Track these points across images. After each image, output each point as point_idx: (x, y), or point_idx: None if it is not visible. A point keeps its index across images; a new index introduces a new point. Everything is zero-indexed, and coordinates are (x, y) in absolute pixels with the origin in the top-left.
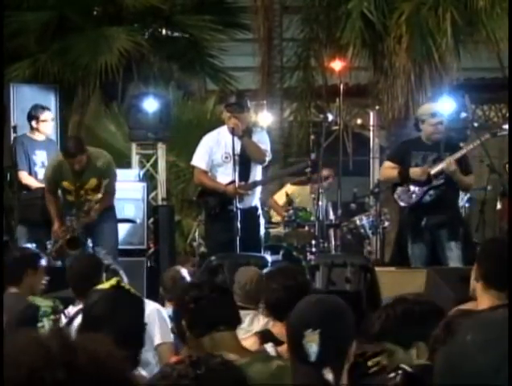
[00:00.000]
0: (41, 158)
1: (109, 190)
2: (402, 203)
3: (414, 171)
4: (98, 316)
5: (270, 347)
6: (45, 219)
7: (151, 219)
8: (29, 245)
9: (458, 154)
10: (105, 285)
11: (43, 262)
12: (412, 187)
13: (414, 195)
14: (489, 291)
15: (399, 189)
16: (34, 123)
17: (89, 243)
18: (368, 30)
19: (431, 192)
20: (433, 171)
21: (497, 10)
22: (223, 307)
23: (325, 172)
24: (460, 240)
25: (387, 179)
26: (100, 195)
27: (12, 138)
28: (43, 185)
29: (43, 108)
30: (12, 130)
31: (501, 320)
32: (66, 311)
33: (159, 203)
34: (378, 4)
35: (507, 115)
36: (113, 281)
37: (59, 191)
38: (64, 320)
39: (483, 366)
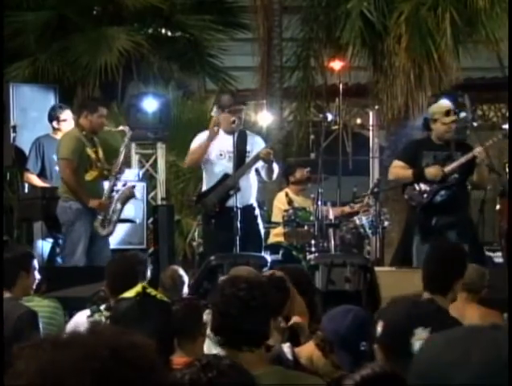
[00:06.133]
0: None
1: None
2: (413, 203)
3: (430, 172)
4: (128, 326)
5: (287, 348)
6: (50, 218)
7: (151, 219)
8: (44, 242)
9: (489, 142)
10: (131, 293)
11: (35, 262)
12: (423, 187)
13: (425, 195)
14: (424, 294)
15: (409, 189)
16: (55, 124)
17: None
18: (367, 30)
19: (443, 192)
20: (445, 170)
21: (497, 10)
22: (251, 324)
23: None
24: (469, 242)
25: (398, 179)
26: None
27: (12, 137)
28: (45, 185)
29: (62, 107)
30: (12, 130)
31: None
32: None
33: (159, 202)
34: (378, 4)
35: (507, 115)
36: (138, 288)
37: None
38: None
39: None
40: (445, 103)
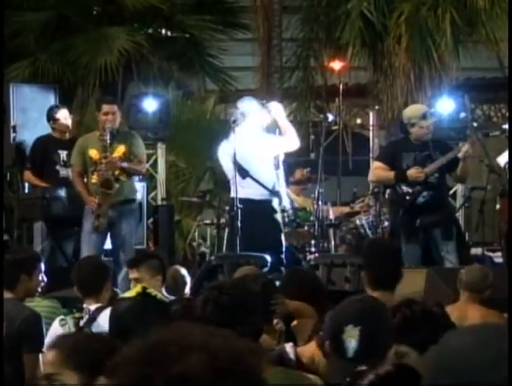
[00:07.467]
0: (63, 156)
1: (139, 157)
2: (395, 205)
3: (411, 174)
4: (127, 325)
5: (289, 347)
6: (50, 218)
7: (151, 219)
8: (44, 243)
9: (479, 135)
10: (132, 293)
11: (41, 265)
12: (405, 189)
13: (408, 197)
14: (376, 293)
15: (390, 190)
16: (51, 124)
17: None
18: (367, 30)
19: (425, 193)
20: (426, 171)
21: (497, 10)
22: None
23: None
24: (454, 239)
25: (379, 180)
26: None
27: (12, 138)
28: (45, 185)
29: (57, 106)
30: (12, 130)
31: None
32: (86, 308)
33: (159, 202)
34: (378, 4)
35: (507, 115)
36: (138, 289)
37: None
38: (85, 317)
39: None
40: (418, 106)
